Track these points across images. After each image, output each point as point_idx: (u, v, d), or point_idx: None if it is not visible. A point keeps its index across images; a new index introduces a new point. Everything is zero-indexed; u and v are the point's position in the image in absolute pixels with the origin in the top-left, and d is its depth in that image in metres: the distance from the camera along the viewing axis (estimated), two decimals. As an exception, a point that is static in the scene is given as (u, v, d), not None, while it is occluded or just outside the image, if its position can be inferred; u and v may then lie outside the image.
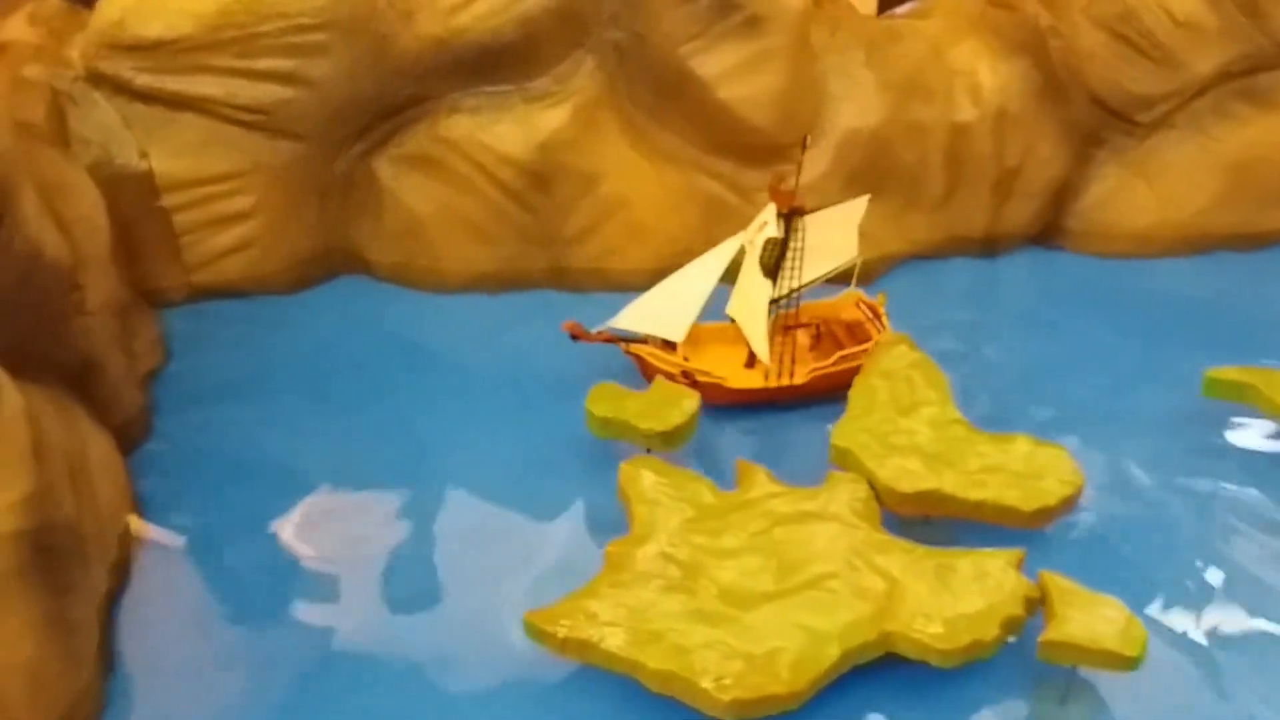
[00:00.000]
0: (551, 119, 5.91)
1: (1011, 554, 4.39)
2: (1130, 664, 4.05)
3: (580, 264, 6.34)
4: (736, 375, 5.49)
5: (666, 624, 4.17)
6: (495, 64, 5.67)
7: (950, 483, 4.71)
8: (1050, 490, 4.68)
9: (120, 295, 4.78)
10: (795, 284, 5.47)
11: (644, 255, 5.93)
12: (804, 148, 5.33)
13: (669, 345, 5.52)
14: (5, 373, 3.61)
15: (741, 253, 5.45)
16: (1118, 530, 4.96)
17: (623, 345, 5.39)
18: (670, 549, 4.35)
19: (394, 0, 5.32)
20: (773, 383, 5.45)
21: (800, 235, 5.31)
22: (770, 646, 4.09)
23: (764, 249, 5.34)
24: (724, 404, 5.46)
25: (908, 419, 5.04)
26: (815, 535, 4.45)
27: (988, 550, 4.43)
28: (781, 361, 5.46)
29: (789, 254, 5.39)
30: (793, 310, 5.57)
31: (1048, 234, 7.09)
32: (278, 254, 5.84)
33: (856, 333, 5.80)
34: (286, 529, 4.98)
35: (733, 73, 6.25)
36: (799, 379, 5.46)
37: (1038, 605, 4.33)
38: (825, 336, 5.80)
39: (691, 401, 5.03)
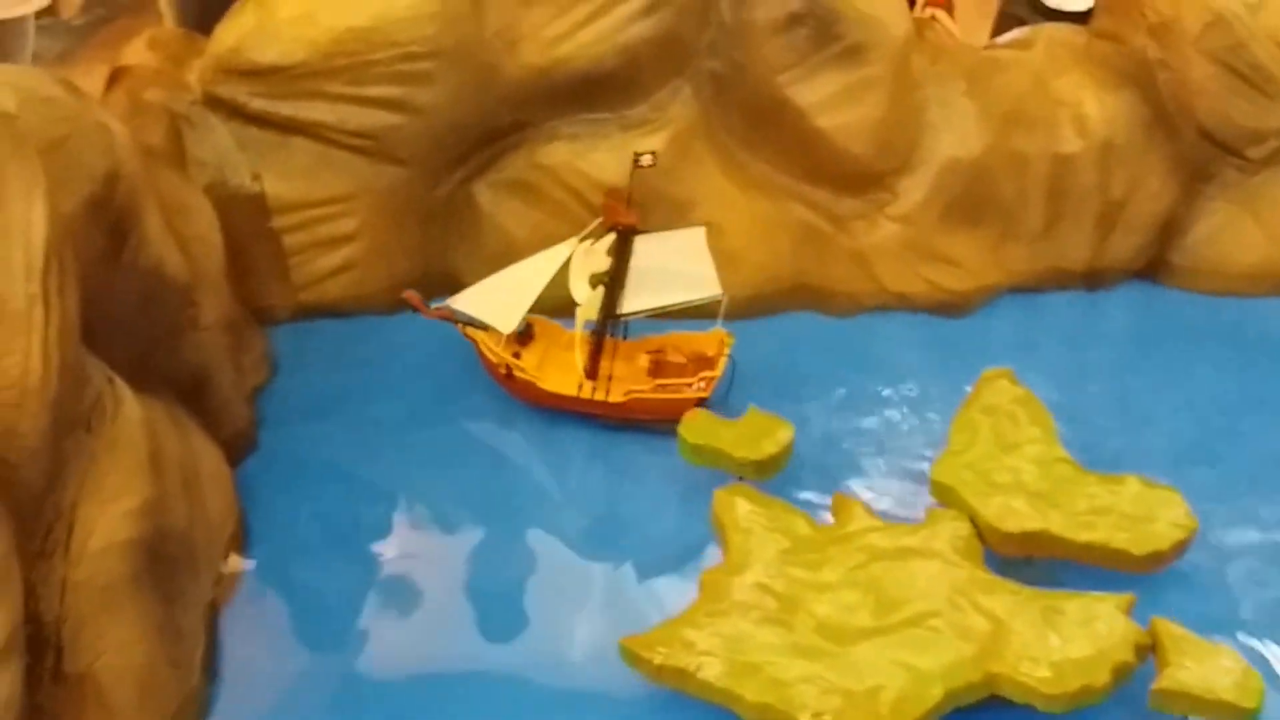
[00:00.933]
0: (647, 146, 6.01)
1: (1121, 598, 4.35)
2: (1247, 716, 3.97)
3: (669, 292, 6.41)
4: (554, 379, 5.40)
5: (764, 656, 4.21)
6: (595, 92, 5.79)
7: (1057, 523, 4.69)
8: (1162, 533, 4.63)
9: (231, 312, 4.96)
10: (630, 307, 5.39)
11: (734, 282, 6.00)
12: (636, 164, 5.34)
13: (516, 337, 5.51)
14: (125, 385, 3.78)
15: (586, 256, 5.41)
16: (1232, 576, 4.86)
17: (459, 326, 5.38)
18: (767, 580, 4.40)
19: (500, 29, 5.46)
20: (586, 394, 5.37)
21: (629, 255, 5.25)
22: (871, 684, 4.12)
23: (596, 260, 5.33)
24: (543, 404, 5.44)
25: (1011, 456, 5.03)
26: (916, 572, 4.46)
27: (1096, 594, 4.41)
28: (604, 377, 5.39)
29: (619, 272, 5.30)
30: (624, 336, 5.53)
31: (1152, 269, 7.03)
32: (379, 275, 6.00)
33: (705, 368, 5.62)
34: (380, 547, 5.10)
35: (831, 101, 6.30)
36: (614, 397, 5.38)
37: (1149, 652, 4.29)
38: (669, 365, 5.64)
39: (786, 432, 5.08)
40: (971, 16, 7.17)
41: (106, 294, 3.92)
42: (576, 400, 5.42)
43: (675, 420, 5.25)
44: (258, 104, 5.40)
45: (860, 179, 6.55)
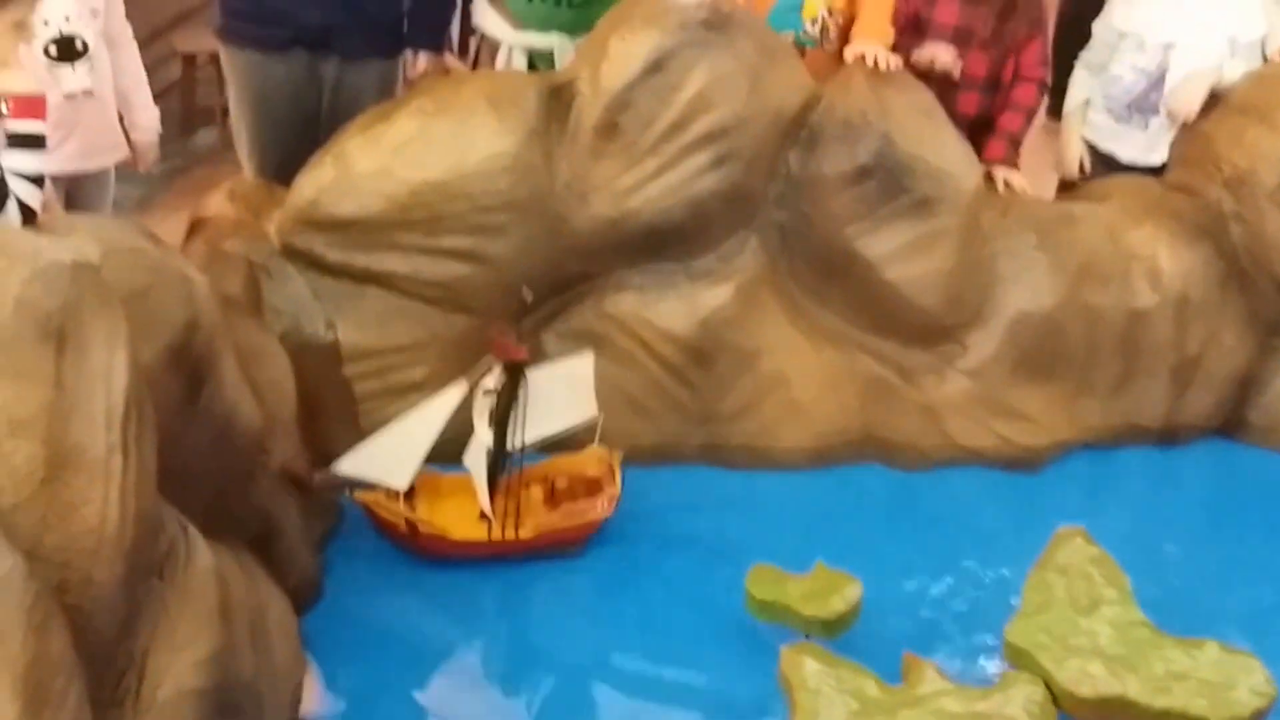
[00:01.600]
0: (714, 296, 6.14)
1: (1201, 767, 4.29)
2: None
3: (736, 441, 6.46)
4: (460, 527, 5.32)
5: (831, 822, 4.18)
6: (663, 243, 5.94)
7: (1134, 689, 4.61)
8: (1241, 700, 4.54)
9: (300, 457, 5.08)
10: (523, 439, 5.36)
11: (801, 435, 6.06)
12: (525, 305, 5.35)
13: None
14: (198, 532, 3.89)
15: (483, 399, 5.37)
16: (1313, 748, 4.80)
17: (348, 493, 5.24)
18: (837, 742, 4.37)
19: (570, 182, 5.65)
20: (496, 536, 5.32)
21: (524, 389, 5.22)
22: None
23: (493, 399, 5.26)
24: (453, 556, 5.33)
25: (1087, 618, 4.97)
26: (989, 736, 4.42)
27: (1177, 763, 4.34)
28: (506, 514, 5.33)
29: (514, 407, 5.28)
30: (520, 468, 5.48)
31: (1230, 427, 6.97)
32: (449, 424, 6.13)
33: (594, 489, 5.67)
34: (434, 697, 5.11)
35: (900, 253, 6.40)
36: (525, 533, 5.35)
37: (1236, 825, 4.21)
38: (561, 492, 5.66)
39: (854, 589, 5.06)
40: (1041, 170, 7.29)
41: (181, 440, 4.04)
42: (488, 545, 5.39)
43: (577, 544, 5.44)
44: (334, 255, 5.61)
45: (930, 332, 6.61)
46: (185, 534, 3.83)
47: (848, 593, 5.28)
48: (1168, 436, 7.10)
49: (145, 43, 7.97)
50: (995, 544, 6.00)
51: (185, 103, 9.06)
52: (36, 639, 2.79)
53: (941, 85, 6.23)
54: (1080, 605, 5.27)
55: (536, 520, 5.50)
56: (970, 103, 6.47)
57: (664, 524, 6.09)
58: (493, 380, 5.30)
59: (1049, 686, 4.82)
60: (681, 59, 5.74)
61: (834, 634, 5.22)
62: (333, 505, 5.55)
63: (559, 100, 5.82)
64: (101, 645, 3.27)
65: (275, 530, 4.78)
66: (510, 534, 5.41)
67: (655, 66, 5.71)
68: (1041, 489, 6.54)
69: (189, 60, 9.09)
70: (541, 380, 5.35)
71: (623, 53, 5.72)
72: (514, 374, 5.29)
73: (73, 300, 3.26)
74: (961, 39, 6.25)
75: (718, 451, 6.69)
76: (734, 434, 6.60)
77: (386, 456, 5.28)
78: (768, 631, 5.31)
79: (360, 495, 5.38)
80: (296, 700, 4.61)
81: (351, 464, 5.30)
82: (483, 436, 5.33)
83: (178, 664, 3.57)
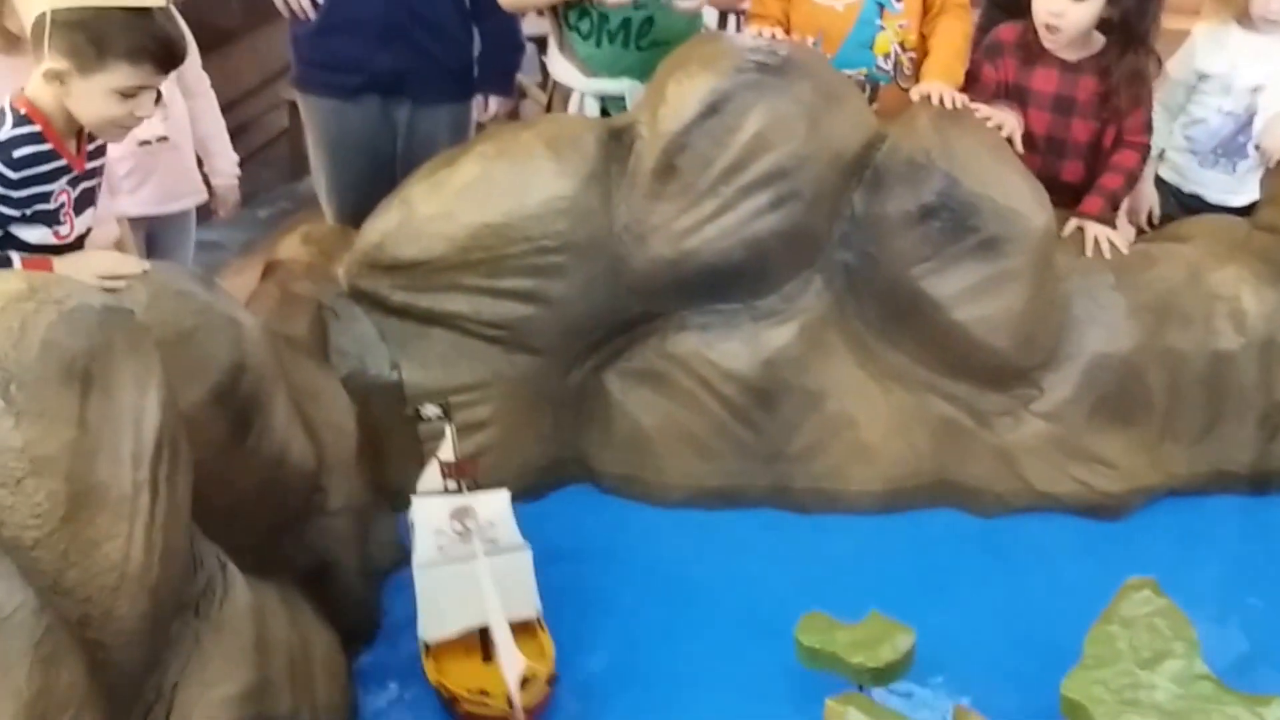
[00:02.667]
0: (777, 337, 6.06)
1: (1257, 826, 4.08)
2: None
3: (803, 484, 6.36)
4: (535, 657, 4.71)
5: None
6: (724, 284, 5.89)
7: (1192, 747, 4.44)
8: (1307, 763, 4.35)
9: (362, 497, 5.13)
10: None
11: (870, 477, 5.92)
12: (448, 416, 4.98)
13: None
14: (237, 570, 3.94)
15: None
16: (1382, 812, 4.53)
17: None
18: (877, 796, 4.25)
19: (629, 223, 5.65)
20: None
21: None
22: None
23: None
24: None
25: (1148, 672, 4.77)
26: (1038, 793, 4.26)
27: (1232, 826, 4.14)
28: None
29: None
30: None
31: (1323, 474, 6.69)
32: (512, 462, 6.12)
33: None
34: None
35: (969, 294, 6.22)
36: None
37: None
38: None
39: (906, 638, 4.93)
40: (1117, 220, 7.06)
41: (227, 480, 4.11)
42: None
43: None
44: (399, 296, 5.68)
45: (1003, 373, 6.43)
46: (224, 571, 3.88)
47: (899, 642, 5.13)
48: (1259, 483, 6.78)
49: (256, 90, 8.22)
50: (1067, 594, 5.77)
51: (293, 148, 9.28)
52: (43, 672, 2.84)
53: (1044, 154, 6.15)
54: (1142, 658, 5.05)
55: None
56: (1074, 171, 6.33)
57: (721, 567, 6.01)
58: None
59: (1104, 743, 4.66)
60: (738, 101, 5.71)
61: (883, 683, 5.08)
62: (395, 544, 5.59)
63: (619, 143, 5.83)
64: (125, 680, 3.32)
65: (331, 569, 4.83)
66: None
67: (712, 109, 5.69)
68: (1123, 537, 6.29)
69: (295, 107, 9.36)
70: (479, 569, 4.81)
71: (679, 95, 5.71)
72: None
73: (100, 343, 3.33)
74: (1062, 107, 6.15)
75: (784, 494, 6.59)
76: (800, 476, 6.49)
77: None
78: (821, 682, 5.19)
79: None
80: (338, 737, 4.65)
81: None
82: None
83: (207, 700, 3.61)
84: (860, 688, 4.94)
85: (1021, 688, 5.14)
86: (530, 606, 4.96)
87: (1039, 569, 6.03)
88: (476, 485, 4.97)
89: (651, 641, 5.44)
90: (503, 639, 4.64)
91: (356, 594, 5.04)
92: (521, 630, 4.87)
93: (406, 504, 5.99)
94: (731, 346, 6.20)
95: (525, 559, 4.95)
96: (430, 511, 4.90)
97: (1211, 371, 6.51)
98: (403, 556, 5.72)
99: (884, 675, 4.88)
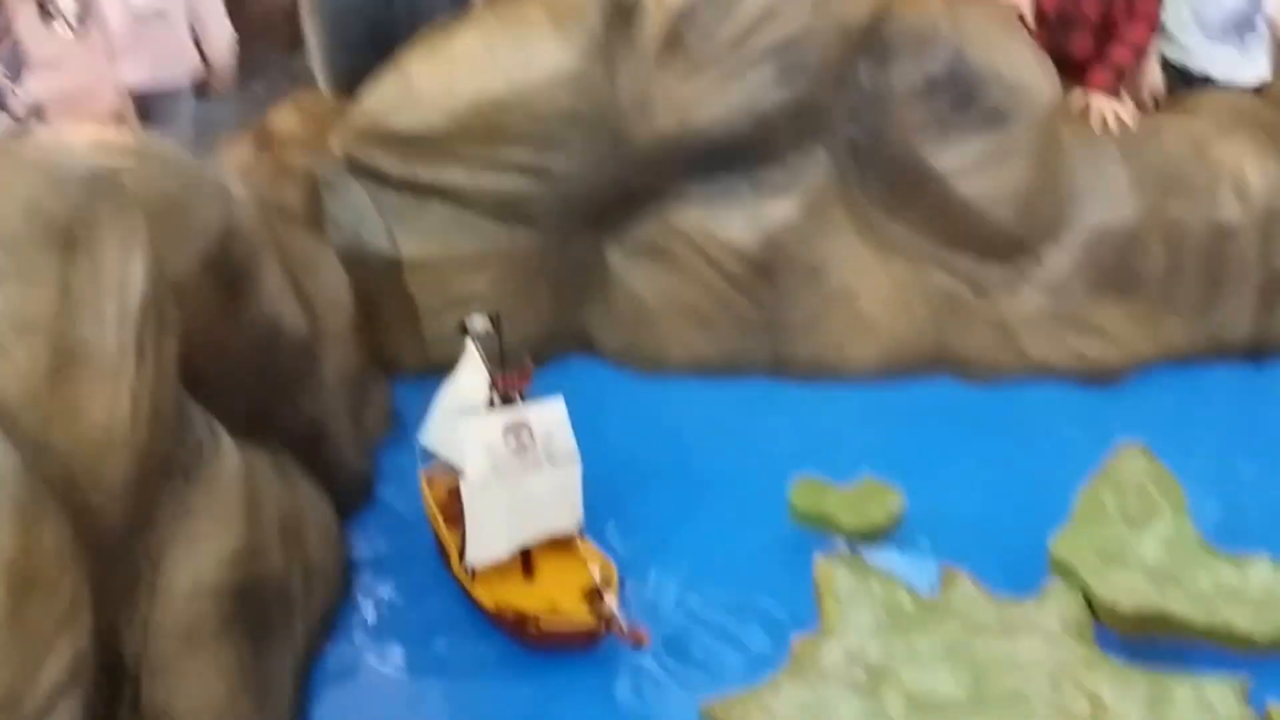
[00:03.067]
0: (779, 210, 5.96)
1: (1236, 682, 4.07)
2: (1365, 819, 3.70)
3: (802, 355, 6.30)
4: (582, 569, 4.58)
5: (846, 729, 4.09)
6: (727, 156, 5.77)
7: (1176, 604, 4.41)
8: (1290, 619, 4.33)
9: (356, 367, 5.10)
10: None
11: (869, 350, 5.86)
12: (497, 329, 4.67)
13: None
14: (227, 435, 3.92)
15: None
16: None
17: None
18: (859, 650, 4.24)
19: (633, 96, 5.51)
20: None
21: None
22: (955, 762, 3.95)
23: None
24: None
25: (1137, 533, 4.75)
26: (1019, 649, 4.23)
27: (1210, 677, 4.14)
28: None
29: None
30: None
31: (1321, 344, 6.58)
32: (511, 334, 6.10)
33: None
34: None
35: (973, 167, 6.11)
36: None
37: (1260, 738, 4.01)
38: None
39: (895, 500, 4.93)
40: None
41: (219, 347, 4.06)
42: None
43: None
44: (396, 169, 5.57)
45: (1004, 246, 6.32)
46: (214, 436, 3.86)
47: (888, 503, 5.13)
48: (1255, 353, 6.69)
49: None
50: (1059, 460, 5.74)
51: (291, 23, 9.04)
52: (27, 531, 2.83)
53: (1054, 29, 5.86)
54: (1131, 520, 5.03)
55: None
56: (1083, 46, 6.14)
57: (720, 435, 5.99)
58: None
59: (1089, 600, 4.65)
60: (744, -29, 5.53)
61: (872, 543, 5.09)
62: (389, 412, 5.59)
63: (622, 14, 5.64)
64: (112, 540, 3.31)
65: (324, 436, 4.82)
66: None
67: (718, -21, 5.52)
68: (1118, 405, 6.24)
69: (301, -19, 9.08)
70: (532, 484, 4.67)
71: (686, -35, 5.53)
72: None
73: (84, 206, 3.26)
74: None
75: (784, 366, 6.53)
76: (800, 348, 6.43)
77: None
78: (813, 542, 5.20)
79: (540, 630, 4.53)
80: (333, 598, 4.68)
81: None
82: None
83: (196, 560, 3.62)
84: (851, 548, 4.95)
85: (1009, 549, 5.12)
86: (577, 519, 4.78)
87: (1032, 436, 6.00)
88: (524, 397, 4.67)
89: (650, 505, 5.45)
90: (584, 549, 4.59)
91: (350, 462, 5.03)
92: (563, 544, 4.73)
93: (401, 374, 5.97)
94: (733, 219, 6.08)
95: (577, 471, 4.73)
96: (482, 429, 4.55)
97: (1212, 243, 6.38)
98: (396, 425, 5.72)
99: (873, 535, 4.88)
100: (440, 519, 4.93)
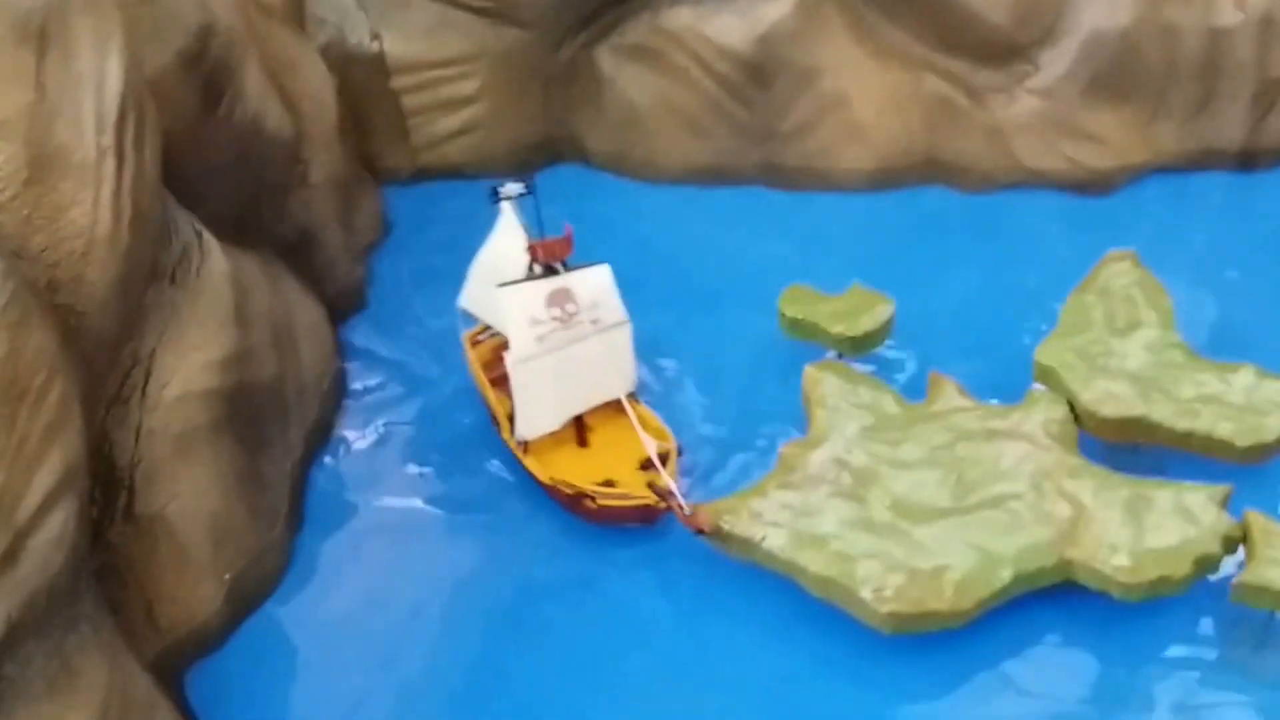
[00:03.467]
0: (774, 11, 5.73)
1: (1216, 489, 4.08)
2: (1336, 618, 3.76)
3: (795, 161, 6.16)
4: (637, 445, 4.50)
5: (831, 530, 4.08)
6: (720, -47, 5.48)
7: (1159, 410, 4.40)
8: (1270, 427, 4.27)
9: (344, 171, 4.96)
10: None
11: (861, 155, 5.72)
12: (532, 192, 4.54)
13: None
14: (214, 238, 3.81)
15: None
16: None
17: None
18: (845, 455, 4.24)
19: (624, -109, 5.16)
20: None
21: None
22: (937, 563, 3.95)
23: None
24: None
25: (1122, 340, 4.72)
26: (1002, 454, 4.23)
27: (1190, 484, 4.14)
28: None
29: None
30: None
31: (1313, 152, 6.45)
32: (500, 138, 5.93)
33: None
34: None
35: (970, -33, 5.87)
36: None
37: (1238, 544, 4.04)
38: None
39: (885, 308, 4.85)
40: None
41: (201, 149, 3.93)
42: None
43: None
44: (379, -37, 5.31)
45: (1000, 50, 6.12)
46: (200, 240, 3.75)
47: (878, 311, 5.05)
48: (1248, 161, 6.53)
49: None
50: (1049, 268, 5.68)
51: None
52: (12, 336, 2.74)
53: None
54: (1116, 327, 4.96)
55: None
56: None
57: (710, 242, 5.89)
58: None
59: (1073, 407, 4.62)
60: None
61: (861, 351, 5.02)
62: (380, 217, 5.46)
63: None
64: (100, 346, 3.24)
65: (313, 241, 4.71)
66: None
67: None
68: (1109, 213, 6.16)
69: None
70: (579, 352, 4.61)
71: None
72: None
73: (56, 2, 3.09)
74: None
75: (775, 171, 6.40)
76: (792, 154, 6.29)
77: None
78: (801, 351, 5.14)
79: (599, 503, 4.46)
80: (327, 403, 4.63)
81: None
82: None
83: (187, 366, 3.55)
84: (839, 356, 4.90)
85: (997, 356, 5.11)
86: (630, 382, 4.68)
87: (1022, 243, 5.91)
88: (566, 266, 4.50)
89: (638, 311, 5.37)
90: (639, 414, 4.42)
91: (340, 265, 4.93)
92: (618, 410, 4.59)
93: (390, 179, 5.81)
94: (726, 21, 5.87)
95: (627, 333, 4.63)
96: (523, 301, 4.40)
97: (1209, 48, 6.19)
98: (387, 231, 5.59)
99: (862, 344, 4.83)
100: (486, 384, 4.78)
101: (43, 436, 2.89)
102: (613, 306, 4.57)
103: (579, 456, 4.61)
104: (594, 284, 4.52)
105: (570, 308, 4.40)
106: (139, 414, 3.46)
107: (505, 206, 4.66)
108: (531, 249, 4.47)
